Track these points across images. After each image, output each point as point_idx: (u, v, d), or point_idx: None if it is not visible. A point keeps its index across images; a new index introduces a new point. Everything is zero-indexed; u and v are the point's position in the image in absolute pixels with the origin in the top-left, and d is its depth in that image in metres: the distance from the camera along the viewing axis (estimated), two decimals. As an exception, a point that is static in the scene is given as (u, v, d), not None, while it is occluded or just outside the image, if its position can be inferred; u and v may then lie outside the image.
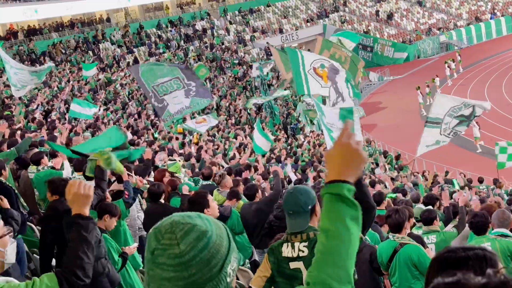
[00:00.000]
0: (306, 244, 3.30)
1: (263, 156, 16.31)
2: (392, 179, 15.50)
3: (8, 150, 8.29)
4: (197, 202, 4.22)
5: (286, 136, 24.91)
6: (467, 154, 22.54)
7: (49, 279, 2.37)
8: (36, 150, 8.11)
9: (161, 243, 1.48)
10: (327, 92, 14.64)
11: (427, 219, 6.27)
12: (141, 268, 5.93)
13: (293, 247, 3.34)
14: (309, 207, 3.33)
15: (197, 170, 11.81)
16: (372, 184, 12.13)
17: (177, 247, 1.46)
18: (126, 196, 6.14)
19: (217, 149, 17.30)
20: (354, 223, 1.65)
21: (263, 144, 14.54)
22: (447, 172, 16.98)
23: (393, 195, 10.80)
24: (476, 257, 1.64)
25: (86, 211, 2.57)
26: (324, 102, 14.51)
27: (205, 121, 17.62)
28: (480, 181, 16.46)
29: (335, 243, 1.63)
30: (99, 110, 20.42)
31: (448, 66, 36.01)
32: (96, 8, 41.77)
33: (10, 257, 2.40)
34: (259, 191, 7.31)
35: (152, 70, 12.63)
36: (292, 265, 3.37)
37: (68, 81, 28.23)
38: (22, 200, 5.13)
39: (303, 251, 3.30)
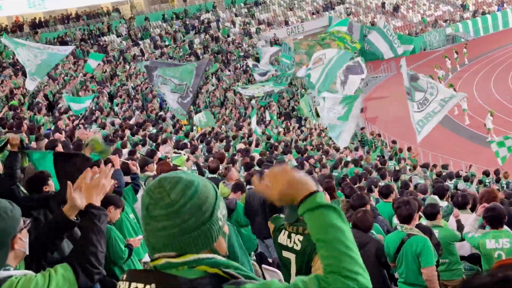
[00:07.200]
0: (301, 238, 3.27)
1: (270, 148, 16.34)
2: (397, 171, 15.41)
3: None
4: None
5: (286, 128, 24.67)
6: (476, 147, 22.43)
7: (64, 269, 2.37)
8: (46, 140, 8.12)
9: (153, 197, 1.58)
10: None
11: (430, 214, 6.16)
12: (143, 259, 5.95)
13: (289, 237, 3.33)
14: None
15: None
16: (383, 176, 12.12)
17: (168, 197, 1.56)
18: (115, 186, 5.97)
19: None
20: (339, 220, 1.66)
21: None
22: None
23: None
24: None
25: (98, 202, 2.59)
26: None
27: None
28: (486, 174, 16.37)
29: (335, 241, 1.62)
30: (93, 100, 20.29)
31: (449, 59, 35.70)
32: (102, 0, 41.74)
33: (27, 247, 2.43)
34: None
35: (165, 71, 12.60)
36: (285, 253, 3.35)
37: (74, 73, 28.28)
38: (22, 188, 5.09)
39: (297, 245, 3.27)
